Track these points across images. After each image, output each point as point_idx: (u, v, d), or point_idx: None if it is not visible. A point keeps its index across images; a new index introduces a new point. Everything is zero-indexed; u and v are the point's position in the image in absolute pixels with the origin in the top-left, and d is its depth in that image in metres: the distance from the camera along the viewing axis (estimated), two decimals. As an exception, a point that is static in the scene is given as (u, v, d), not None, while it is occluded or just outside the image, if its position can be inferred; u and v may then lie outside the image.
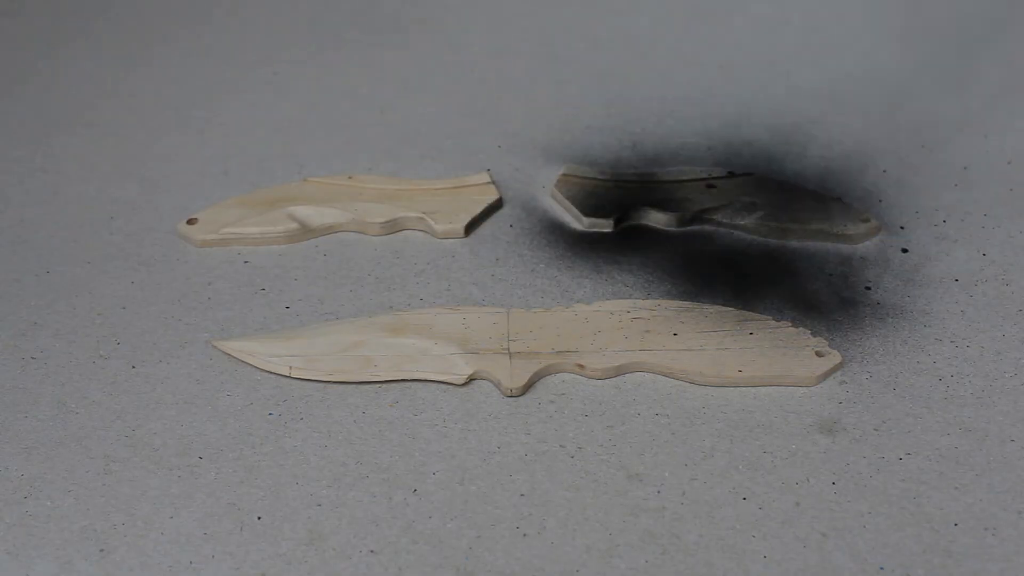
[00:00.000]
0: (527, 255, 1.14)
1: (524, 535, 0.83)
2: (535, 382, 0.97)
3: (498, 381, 0.96)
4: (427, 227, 1.17)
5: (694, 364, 0.97)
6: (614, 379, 0.98)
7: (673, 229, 1.18)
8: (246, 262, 1.13)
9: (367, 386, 0.97)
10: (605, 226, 1.17)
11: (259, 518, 0.84)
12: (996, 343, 1.02)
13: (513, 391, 0.95)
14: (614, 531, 0.83)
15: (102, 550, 0.81)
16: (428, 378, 0.97)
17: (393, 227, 1.17)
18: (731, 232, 1.18)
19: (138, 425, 0.92)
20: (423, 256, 1.14)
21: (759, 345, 0.99)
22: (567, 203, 1.20)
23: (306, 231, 1.16)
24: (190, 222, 1.16)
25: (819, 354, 0.98)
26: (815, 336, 1.00)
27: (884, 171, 1.28)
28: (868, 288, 1.09)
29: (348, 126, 1.37)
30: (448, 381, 0.97)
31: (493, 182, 1.24)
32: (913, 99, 1.43)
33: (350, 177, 1.23)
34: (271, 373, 0.98)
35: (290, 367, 0.97)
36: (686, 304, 1.04)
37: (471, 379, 0.97)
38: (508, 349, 0.98)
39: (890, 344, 1.02)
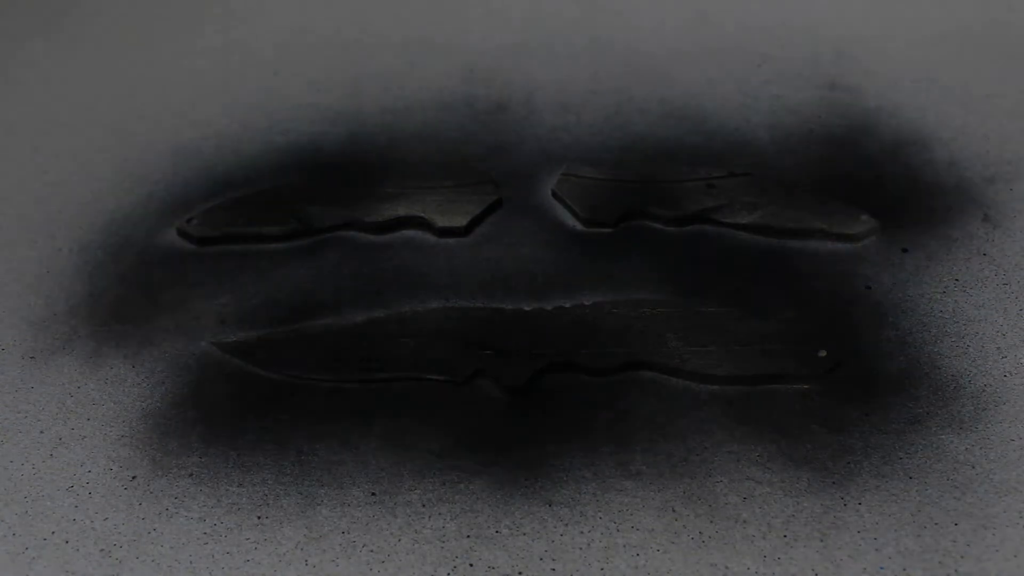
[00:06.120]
0: (527, 255, 1.14)
1: (524, 534, 0.83)
2: (535, 381, 0.97)
3: (498, 380, 0.96)
4: (427, 227, 1.17)
5: (694, 363, 0.97)
6: (614, 378, 0.98)
7: (673, 229, 1.18)
8: (245, 261, 1.13)
9: (367, 387, 0.97)
10: (605, 226, 1.17)
11: (259, 518, 0.84)
12: (996, 343, 1.02)
13: (513, 390, 0.95)
14: (614, 530, 0.83)
15: (102, 550, 0.82)
16: (428, 378, 0.97)
17: (393, 227, 1.17)
18: (731, 232, 1.18)
19: (138, 425, 0.92)
20: (423, 256, 1.14)
21: (759, 344, 0.99)
22: (567, 203, 1.20)
23: (306, 231, 1.16)
24: (190, 222, 1.16)
25: (819, 353, 0.98)
26: (815, 336, 1.00)
27: (884, 171, 1.28)
28: (868, 288, 1.09)
29: (348, 126, 1.37)
30: (448, 381, 0.96)
31: (493, 182, 1.24)
32: (913, 99, 1.43)
33: (350, 177, 1.23)
34: (271, 374, 0.98)
35: (289, 370, 0.97)
36: (686, 303, 1.04)
37: (471, 379, 0.97)
38: (508, 348, 0.98)
39: (890, 344, 1.02)
